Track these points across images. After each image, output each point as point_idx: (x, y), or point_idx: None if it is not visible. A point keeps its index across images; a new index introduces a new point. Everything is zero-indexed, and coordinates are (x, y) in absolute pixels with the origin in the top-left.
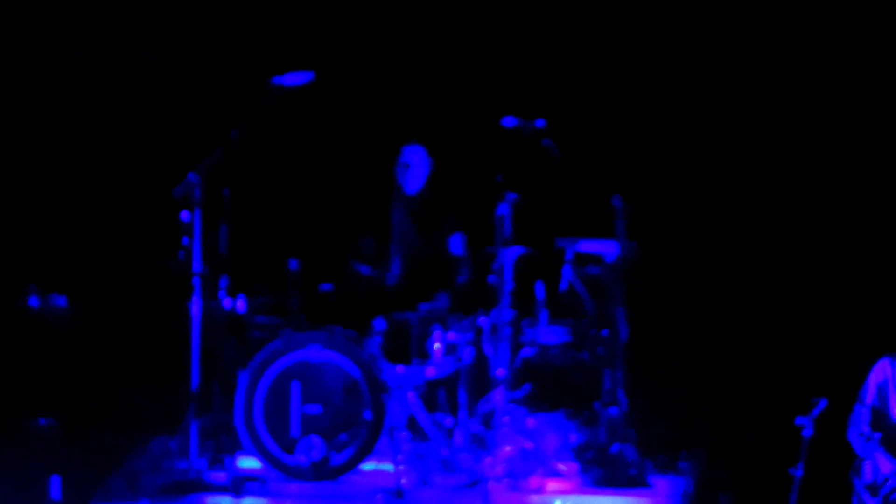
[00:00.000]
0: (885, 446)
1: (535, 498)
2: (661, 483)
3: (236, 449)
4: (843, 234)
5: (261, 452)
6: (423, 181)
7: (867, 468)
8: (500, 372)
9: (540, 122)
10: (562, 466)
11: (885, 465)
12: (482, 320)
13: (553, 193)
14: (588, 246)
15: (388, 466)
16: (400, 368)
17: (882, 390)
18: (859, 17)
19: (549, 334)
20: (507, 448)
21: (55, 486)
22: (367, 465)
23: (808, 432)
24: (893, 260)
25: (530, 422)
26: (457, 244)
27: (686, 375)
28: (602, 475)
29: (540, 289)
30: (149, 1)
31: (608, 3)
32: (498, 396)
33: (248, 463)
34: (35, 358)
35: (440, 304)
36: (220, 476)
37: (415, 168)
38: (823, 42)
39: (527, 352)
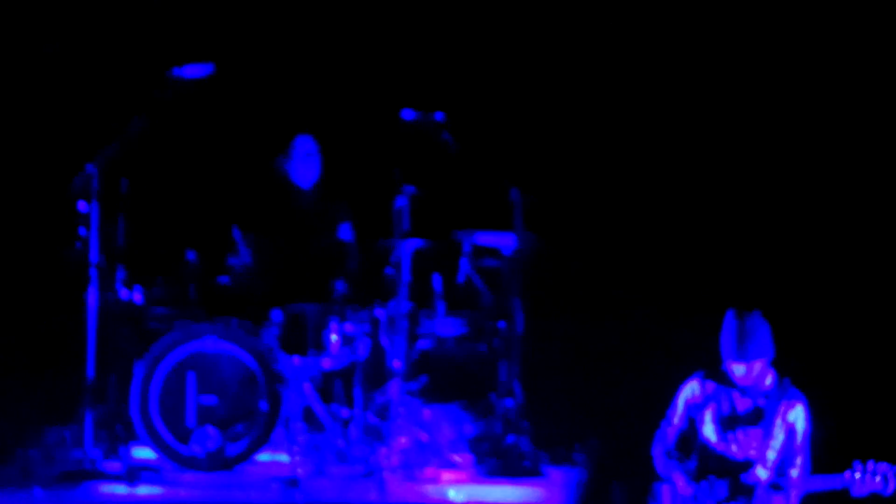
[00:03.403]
0: (691, 467)
1: (429, 488)
2: (556, 474)
3: (131, 439)
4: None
5: (156, 442)
6: (315, 173)
7: (664, 493)
8: (396, 363)
9: (439, 115)
10: (457, 458)
11: (684, 488)
12: (379, 312)
13: (451, 186)
14: (485, 238)
15: (283, 457)
16: (296, 359)
17: (691, 409)
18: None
19: (445, 326)
20: (403, 439)
21: None
22: (263, 456)
23: None
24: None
25: (426, 413)
26: (346, 231)
27: (581, 367)
28: (497, 466)
29: (437, 281)
30: None
31: None
32: (394, 388)
33: (143, 453)
34: None
35: (337, 291)
36: (114, 466)
37: (305, 159)
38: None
39: (423, 343)
